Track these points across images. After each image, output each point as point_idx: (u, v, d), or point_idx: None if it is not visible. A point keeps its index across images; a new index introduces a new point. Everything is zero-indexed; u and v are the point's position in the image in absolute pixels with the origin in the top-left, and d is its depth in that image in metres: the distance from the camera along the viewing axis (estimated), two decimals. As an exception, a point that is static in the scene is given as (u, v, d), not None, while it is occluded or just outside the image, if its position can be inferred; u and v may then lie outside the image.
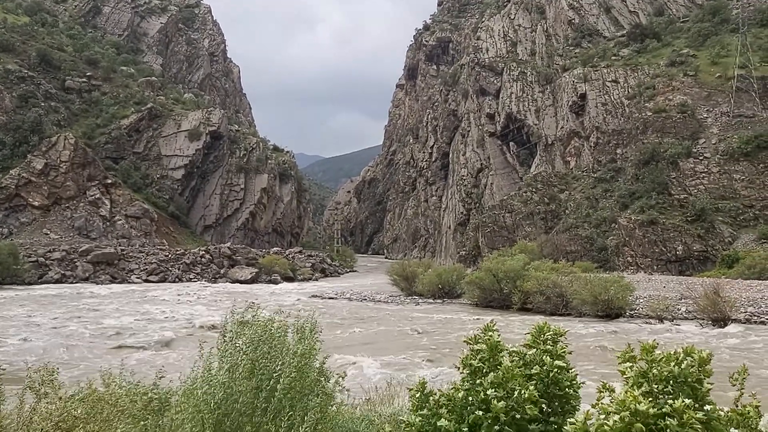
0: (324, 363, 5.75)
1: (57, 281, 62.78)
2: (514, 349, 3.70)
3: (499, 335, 3.59)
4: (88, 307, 41.55)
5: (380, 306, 45.51)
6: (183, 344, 26.93)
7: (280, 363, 5.30)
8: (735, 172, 64.62)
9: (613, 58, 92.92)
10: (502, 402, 3.13)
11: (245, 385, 5.14)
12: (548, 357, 3.44)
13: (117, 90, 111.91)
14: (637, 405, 2.61)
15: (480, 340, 3.68)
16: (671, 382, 2.82)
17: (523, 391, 3.15)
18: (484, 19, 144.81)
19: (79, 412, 5.30)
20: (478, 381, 3.39)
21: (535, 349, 3.60)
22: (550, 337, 3.67)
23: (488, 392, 3.20)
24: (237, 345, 5.54)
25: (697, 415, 2.61)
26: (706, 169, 66.22)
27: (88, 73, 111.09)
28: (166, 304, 44.46)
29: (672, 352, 2.99)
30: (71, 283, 62.64)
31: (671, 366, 2.85)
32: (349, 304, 46.45)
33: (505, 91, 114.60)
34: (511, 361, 3.54)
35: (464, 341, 3.72)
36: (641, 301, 37.83)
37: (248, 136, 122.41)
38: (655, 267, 60.85)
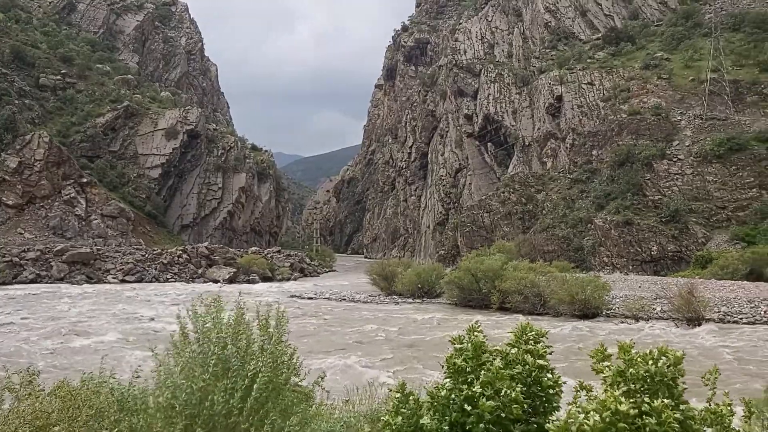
0: (297, 362, 5.79)
1: (32, 281, 61.91)
2: (497, 348, 3.82)
3: (485, 336, 3.72)
4: (60, 306, 41.11)
5: (359, 306, 45.57)
6: (153, 344, 26.75)
7: (253, 363, 5.30)
8: (708, 173, 65.69)
9: (589, 60, 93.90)
10: (491, 401, 3.24)
11: (214, 386, 5.14)
12: (530, 356, 3.57)
13: (92, 88, 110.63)
14: (618, 405, 2.73)
15: (464, 340, 3.79)
16: (648, 381, 2.96)
17: (509, 391, 3.27)
18: (461, 21, 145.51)
19: (52, 410, 5.33)
20: (461, 380, 3.50)
21: (517, 349, 3.72)
22: (532, 336, 3.79)
23: (475, 389, 3.31)
24: (204, 345, 5.53)
25: (675, 415, 2.73)
26: (679, 171, 67.23)
27: (62, 71, 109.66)
28: (142, 305, 44.12)
29: (648, 352, 3.12)
30: (46, 283, 61.84)
31: (648, 365, 2.98)
32: (328, 304, 46.45)
33: (482, 93, 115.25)
34: (498, 362, 3.65)
35: (450, 341, 3.84)
36: (617, 300, 38.35)
37: (226, 135, 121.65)
38: (630, 267, 61.66)
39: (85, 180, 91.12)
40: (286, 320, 6.05)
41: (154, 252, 76.07)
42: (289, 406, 5.32)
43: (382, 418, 3.77)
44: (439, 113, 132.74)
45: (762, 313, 33.40)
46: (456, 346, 3.83)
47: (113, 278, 66.56)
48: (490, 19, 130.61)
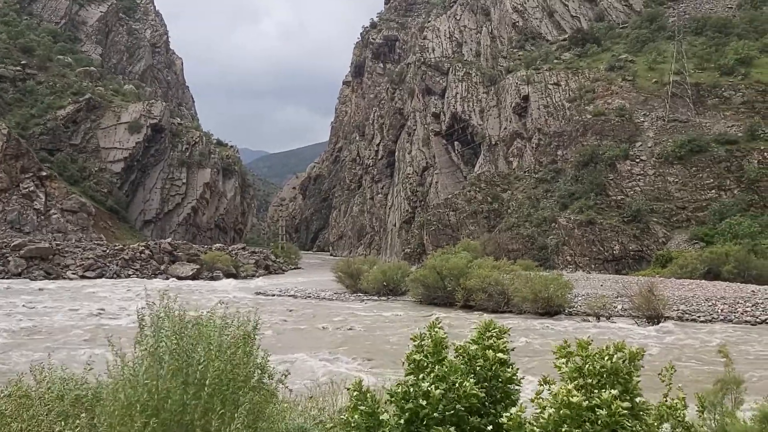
0: (266, 359, 5.71)
1: (-13, 277, 60.34)
2: (459, 344, 3.77)
3: (445, 333, 3.66)
4: (17, 302, 40.11)
5: (324, 303, 45.39)
6: (114, 339, 26.22)
7: (204, 354, 5.17)
8: (669, 174, 66.93)
9: (555, 61, 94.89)
10: (440, 390, 3.20)
11: (171, 382, 5.01)
12: (491, 351, 3.52)
13: (53, 79, 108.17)
14: (570, 398, 2.71)
15: (425, 337, 3.74)
16: (604, 375, 2.95)
17: (464, 383, 3.22)
18: (430, 19, 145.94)
19: (4, 408, 5.15)
20: (421, 376, 3.44)
21: (478, 345, 3.67)
22: (494, 333, 3.75)
23: (424, 384, 3.26)
24: (160, 337, 5.40)
25: (624, 404, 2.73)
26: (642, 172, 68.37)
27: (22, 62, 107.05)
28: (102, 301, 43.30)
29: (604, 348, 3.11)
30: (3, 278, 60.33)
31: (604, 361, 2.97)
32: (293, 301, 46.17)
33: (450, 91, 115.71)
34: (456, 356, 3.60)
35: (411, 339, 3.78)
36: (579, 299, 38.80)
37: (191, 130, 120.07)
38: (592, 266, 62.54)
39: (44, 173, 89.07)
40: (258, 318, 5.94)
41: (116, 247, 74.76)
42: (250, 404, 5.22)
43: (342, 416, 3.70)
44: (407, 111, 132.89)
45: (719, 311, 34.14)
46: (416, 343, 3.78)
47: (73, 274, 65.21)
48: (458, 18, 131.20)
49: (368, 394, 3.59)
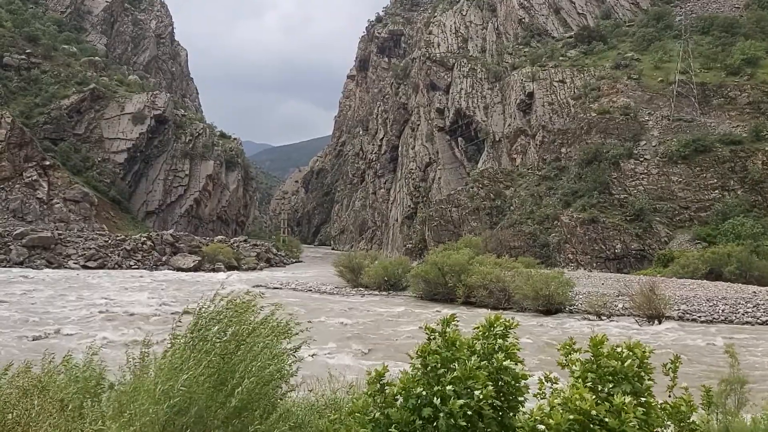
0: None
1: (-11, 265, 60.40)
2: (461, 338, 3.71)
3: (458, 331, 3.59)
4: (19, 291, 40.16)
5: (325, 297, 45.40)
6: (117, 332, 26.30)
7: (243, 366, 5.16)
8: (673, 174, 66.73)
9: (561, 58, 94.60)
10: (461, 400, 3.14)
11: (204, 387, 4.96)
12: (502, 354, 3.45)
13: (58, 69, 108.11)
14: (581, 403, 2.66)
15: (436, 331, 3.68)
16: (614, 376, 2.89)
17: (482, 389, 3.17)
18: (436, 14, 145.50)
19: (12, 397, 5.13)
20: (431, 374, 3.38)
21: (484, 341, 3.61)
22: (500, 332, 3.68)
23: (447, 388, 3.20)
24: (207, 337, 5.39)
25: (637, 412, 2.68)
26: (645, 171, 68.17)
27: (27, 50, 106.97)
28: (104, 291, 43.34)
29: (616, 347, 3.06)
30: (4, 267, 60.43)
31: (615, 363, 2.92)
32: (294, 294, 46.19)
33: (455, 87, 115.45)
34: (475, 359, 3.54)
35: (425, 331, 3.72)
36: (580, 297, 38.73)
37: (194, 122, 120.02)
38: (594, 264, 62.44)
39: (47, 163, 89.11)
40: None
41: (118, 238, 74.84)
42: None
43: (349, 407, 3.65)
44: (411, 106, 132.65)
45: (720, 311, 34.07)
46: (429, 336, 3.71)
47: (74, 263, 65.30)
48: (464, 13, 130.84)
49: (387, 389, 3.51)
